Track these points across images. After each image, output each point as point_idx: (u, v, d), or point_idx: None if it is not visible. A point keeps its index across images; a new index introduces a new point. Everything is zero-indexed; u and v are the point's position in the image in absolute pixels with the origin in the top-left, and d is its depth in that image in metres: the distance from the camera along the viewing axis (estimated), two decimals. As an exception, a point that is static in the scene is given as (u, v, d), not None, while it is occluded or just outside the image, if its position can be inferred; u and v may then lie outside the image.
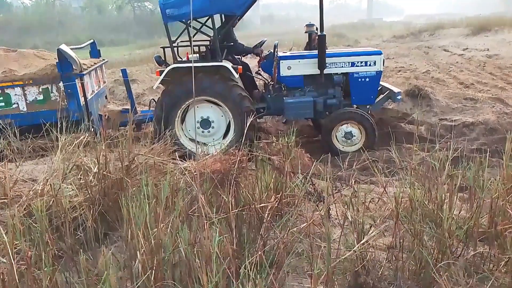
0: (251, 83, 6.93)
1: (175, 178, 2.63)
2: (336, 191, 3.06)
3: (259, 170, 2.75)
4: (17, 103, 6.13)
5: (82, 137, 3.62)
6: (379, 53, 6.57)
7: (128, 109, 7.39)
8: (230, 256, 2.04)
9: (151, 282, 1.90)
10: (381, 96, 6.78)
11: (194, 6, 5.73)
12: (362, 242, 2.16)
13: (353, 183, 3.16)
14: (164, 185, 2.27)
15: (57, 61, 6.10)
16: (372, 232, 2.24)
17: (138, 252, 1.95)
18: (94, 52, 7.94)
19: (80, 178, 3.31)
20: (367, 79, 6.45)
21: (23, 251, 2.01)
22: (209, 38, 6.62)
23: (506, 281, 2.23)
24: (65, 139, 3.53)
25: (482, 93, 9.80)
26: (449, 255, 2.23)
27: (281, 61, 6.49)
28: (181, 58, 6.40)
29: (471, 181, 2.60)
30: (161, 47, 6.73)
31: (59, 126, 3.93)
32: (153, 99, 7.47)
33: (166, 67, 6.04)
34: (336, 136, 6.28)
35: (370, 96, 6.55)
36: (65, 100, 6.09)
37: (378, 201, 3.26)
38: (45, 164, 4.87)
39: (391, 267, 2.47)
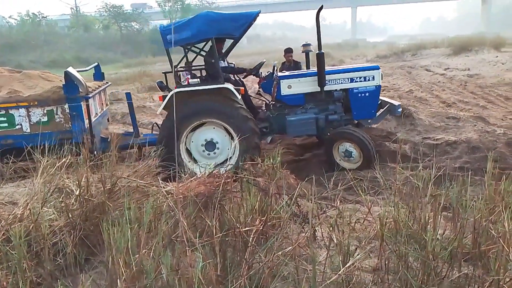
0: (250, 104, 7.01)
1: (158, 201, 2.59)
2: (322, 212, 3.05)
3: (244, 192, 2.73)
4: (21, 124, 6.07)
5: (64, 159, 3.55)
6: (377, 68, 6.72)
7: (131, 132, 7.49)
8: (213, 282, 2.00)
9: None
10: (382, 110, 6.87)
11: (193, 30, 5.88)
12: (347, 265, 2.14)
13: (338, 203, 3.15)
14: (146, 209, 2.23)
15: (64, 83, 6.07)
16: (357, 255, 2.22)
17: (118, 279, 1.90)
18: (98, 75, 7.96)
19: (61, 201, 3.25)
20: (367, 94, 6.57)
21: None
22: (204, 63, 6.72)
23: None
24: (47, 161, 3.46)
25: (464, 112, 10.02)
26: (434, 277, 2.23)
27: (281, 80, 6.61)
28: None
29: (454, 201, 2.62)
30: (162, 73, 6.92)
31: (45, 147, 3.86)
32: (155, 123, 7.49)
33: (169, 92, 6.10)
34: (337, 149, 6.36)
35: (371, 110, 6.65)
36: (69, 122, 6.06)
37: (363, 221, 3.26)
38: (26, 186, 4.77)
39: (377, 289, 2.45)
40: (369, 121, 6.78)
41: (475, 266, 2.49)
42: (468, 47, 29.41)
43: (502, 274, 2.18)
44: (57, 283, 2.26)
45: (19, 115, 6.04)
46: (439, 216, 2.65)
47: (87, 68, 7.98)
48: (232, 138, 6.13)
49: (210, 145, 6.19)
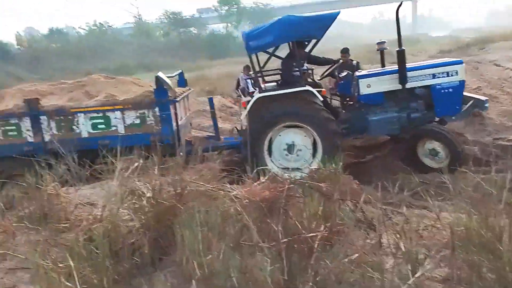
0: (330, 105, 7.00)
1: (225, 205, 2.69)
2: (387, 218, 2.99)
3: (307, 198, 2.75)
4: (116, 126, 6.49)
5: (136, 163, 3.79)
6: (460, 62, 6.51)
7: (213, 136, 7.81)
8: (281, 286, 2.05)
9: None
10: (466, 105, 6.57)
11: (275, 34, 6.03)
12: (417, 275, 2.10)
13: (404, 209, 3.08)
14: (215, 213, 2.33)
15: (154, 87, 6.48)
16: (427, 264, 2.16)
17: (193, 280, 2.01)
18: (181, 82, 8.36)
19: (135, 203, 3.47)
20: (450, 90, 6.34)
21: (86, 275, 2.12)
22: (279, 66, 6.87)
23: None
24: (121, 164, 3.71)
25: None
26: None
27: (360, 80, 6.53)
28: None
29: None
30: (245, 79, 7.13)
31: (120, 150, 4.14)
32: (235, 127, 7.81)
33: (252, 98, 6.28)
34: (422, 148, 6.21)
35: (454, 107, 6.40)
36: (159, 125, 6.40)
37: (432, 229, 3.15)
38: (101, 188, 5.13)
39: (448, 300, 2.37)
40: (453, 117, 6.52)
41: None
42: (544, 38, 27.13)
43: None
44: (135, 280, 2.43)
45: (115, 117, 6.45)
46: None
47: (172, 75, 8.38)
48: (313, 140, 6.17)
49: (292, 148, 6.24)
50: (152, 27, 62.51)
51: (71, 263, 2.13)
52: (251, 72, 9.98)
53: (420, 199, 4.23)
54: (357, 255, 2.32)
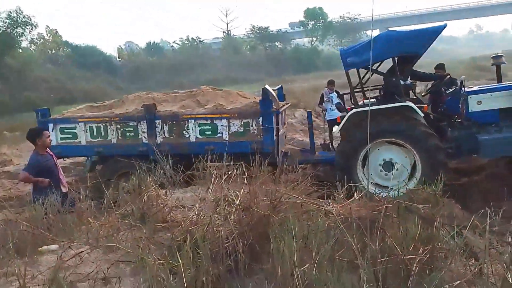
0: (435, 123, 6.67)
1: (319, 219, 2.73)
2: (492, 247, 2.79)
3: (404, 219, 2.68)
4: (222, 133, 6.98)
5: (230, 172, 4.00)
6: None
7: (308, 149, 8.09)
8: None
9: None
10: None
11: (375, 51, 5.92)
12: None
13: (510, 239, 2.85)
14: (311, 227, 2.38)
15: (261, 99, 6.89)
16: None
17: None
18: (280, 96, 8.73)
19: (225, 209, 3.65)
20: None
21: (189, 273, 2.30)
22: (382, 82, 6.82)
23: None
24: (216, 173, 3.94)
25: None
26: None
27: (469, 96, 6.24)
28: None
29: None
30: (341, 94, 7.31)
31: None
32: (330, 142, 8.02)
33: (347, 113, 6.30)
34: None
35: None
36: (261, 134, 6.76)
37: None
38: (192, 192, 5.47)
39: None
40: None
41: None
42: None
43: None
44: (229, 283, 2.56)
45: (221, 125, 6.93)
46: None
47: (273, 89, 8.88)
48: (414, 162, 5.94)
49: (388, 166, 6.05)
50: (240, 41, 64.98)
51: (180, 260, 2.32)
52: (341, 91, 10.02)
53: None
54: (458, 282, 2.20)
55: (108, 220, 4.54)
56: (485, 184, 6.13)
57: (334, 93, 10.25)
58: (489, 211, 3.50)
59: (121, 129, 7.22)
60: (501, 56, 6.55)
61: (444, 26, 5.98)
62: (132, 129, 7.19)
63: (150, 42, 61.05)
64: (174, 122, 7.03)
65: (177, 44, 64.40)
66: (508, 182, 5.90)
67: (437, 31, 5.92)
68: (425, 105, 6.14)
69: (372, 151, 6.04)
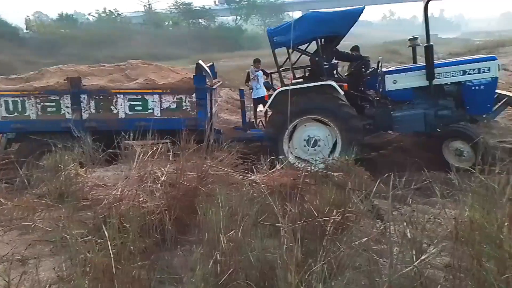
0: (355, 100, 7.07)
1: (245, 189, 2.87)
2: (395, 209, 3.16)
3: (321, 186, 2.93)
4: (153, 109, 6.74)
5: (155, 148, 3.98)
6: (494, 59, 6.46)
7: (240, 127, 8.12)
8: (295, 264, 2.22)
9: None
10: (499, 103, 6.59)
11: (300, 30, 6.18)
12: (421, 259, 2.27)
13: (411, 202, 3.25)
14: (236, 196, 2.51)
15: (194, 74, 6.73)
16: (431, 249, 2.33)
17: (217, 252, 2.19)
18: (212, 73, 8.69)
19: (151, 186, 3.65)
20: (482, 87, 6.26)
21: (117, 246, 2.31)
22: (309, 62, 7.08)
23: None
24: (142, 149, 3.90)
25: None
26: (509, 275, 2.28)
27: (386, 76, 6.61)
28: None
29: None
30: (268, 73, 7.43)
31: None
32: (261, 120, 8.13)
33: (274, 91, 6.54)
34: (448, 148, 6.22)
35: (486, 105, 6.36)
36: (195, 110, 6.65)
37: (434, 221, 3.31)
38: (114, 171, 5.33)
39: (449, 286, 2.54)
40: (484, 115, 6.51)
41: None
42: (554, 45, 27.07)
43: None
44: (157, 255, 2.61)
45: (153, 101, 6.70)
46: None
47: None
48: (332, 131, 6.31)
49: (312, 142, 6.39)
50: (162, 16, 62.46)
51: (106, 233, 2.31)
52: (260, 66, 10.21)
53: (423, 196, 4.40)
54: (365, 239, 2.49)
55: (22, 200, 4.29)
56: (392, 157, 6.73)
57: (260, 71, 10.41)
58: (392, 179, 3.94)
59: (41, 104, 6.73)
60: (416, 38, 7.10)
61: (363, 9, 6.35)
62: (54, 104, 6.74)
63: (62, 13, 56.23)
64: (101, 97, 6.73)
65: (93, 16, 60.07)
66: (411, 154, 6.58)
67: (357, 13, 6.30)
68: (345, 84, 6.50)
69: (299, 127, 6.39)
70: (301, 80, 6.96)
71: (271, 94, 6.52)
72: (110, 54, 35.75)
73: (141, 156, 3.85)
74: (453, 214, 2.66)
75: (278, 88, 6.70)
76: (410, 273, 2.50)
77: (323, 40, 6.85)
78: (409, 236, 2.52)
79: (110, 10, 58.57)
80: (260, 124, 7.90)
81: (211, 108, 6.97)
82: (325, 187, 2.88)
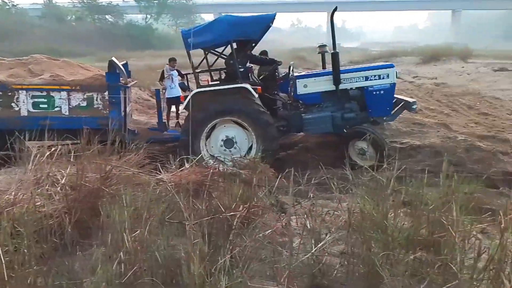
0: (269, 104, 7.17)
1: (151, 188, 2.83)
2: (297, 203, 3.37)
3: (229, 182, 3.01)
4: (60, 107, 6.23)
5: (53, 149, 3.72)
6: (392, 66, 7.00)
7: (156, 128, 7.78)
8: (201, 258, 2.27)
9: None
10: (397, 107, 7.11)
11: (214, 33, 6.18)
12: (318, 247, 2.46)
13: (311, 196, 3.48)
14: (142, 194, 2.47)
15: (107, 71, 6.33)
16: (327, 238, 2.54)
17: (121, 252, 2.14)
18: (126, 71, 8.22)
19: (49, 189, 3.41)
20: (382, 92, 6.77)
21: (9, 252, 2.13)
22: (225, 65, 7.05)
23: (440, 281, 2.60)
24: (38, 150, 3.62)
25: (429, 119, 10.61)
26: (392, 259, 2.58)
27: (297, 80, 6.84)
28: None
29: (412, 195, 2.99)
30: (184, 74, 7.23)
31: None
32: (178, 122, 7.85)
33: (190, 93, 6.40)
34: (353, 147, 6.58)
35: (386, 108, 6.87)
36: (107, 109, 6.27)
37: (333, 214, 3.60)
38: (7, 175, 4.86)
39: (344, 270, 2.79)
40: (384, 118, 7.02)
41: (428, 251, 2.87)
42: (437, 56, 30.72)
43: (450, 256, 2.56)
44: (58, 260, 2.46)
45: (60, 98, 6.21)
46: (400, 209, 3.02)
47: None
48: (250, 135, 6.40)
49: (229, 143, 6.46)
50: (64, 10, 58.09)
51: (-6, 239, 2.12)
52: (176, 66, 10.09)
53: (323, 190, 4.74)
54: (269, 231, 2.62)
55: None
56: (297, 156, 7.10)
57: (175, 71, 10.23)
58: (295, 175, 4.18)
59: None
60: (325, 45, 7.55)
61: (275, 15, 6.63)
62: None
63: None
64: (1, 93, 6.15)
65: (-17, 7, 53.81)
66: (314, 153, 7.01)
67: (269, 18, 6.54)
68: (259, 87, 6.69)
69: (218, 127, 6.45)
70: (218, 82, 7.04)
71: (187, 95, 6.48)
72: (5, 48, 32.32)
73: (37, 157, 3.57)
74: (347, 205, 2.91)
75: (194, 89, 6.69)
76: (309, 261, 2.70)
77: (237, 43, 7.00)
78: (309, 227, 2.70)
79: (3, 1, 52.92)
80: (177, 125, 7.81)
81: (125, 107, 6.72)
82: (233, 184, 2.97)
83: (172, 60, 10.33)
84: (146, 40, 51.22)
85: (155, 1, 60.64)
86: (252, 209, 2.85)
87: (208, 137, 6.53)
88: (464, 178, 4.01)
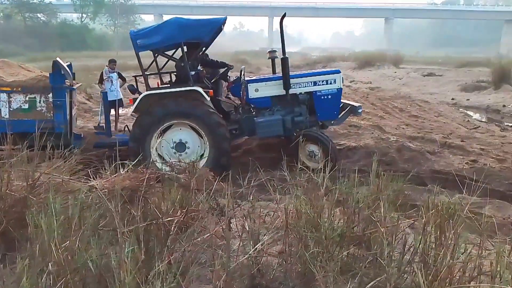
0: (218, 106, 7.18)
1: (83, 195, 2.71)
2: (237, 206, 3.40)
3: (166, 187, 2.97)
4: (0, 109, 5.87)
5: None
6: (338, 72, 7.23)
7: (103, 132, 7.48)
8: (138, 266, 2.22)
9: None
10: (344, 111, 7.35)
11: (163, 35, 6.09)
12: (256, 246, 2.50)
13: (251, 198, 3.53)
14: (72, 203, 2.36)
15: (51, 72, 6.02)
16: (265, 238, 2.59)
17: (50, 264, 2.03)
18: (71, 73, 7.73)
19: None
20: (329, 96, 7.00)
21: None
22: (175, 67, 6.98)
23: (371, 275, 2.75)
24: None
25: (364, 121, 11.18)
26: (326, 256, 2.69)
27: (249, 84, 6.88)
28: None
29: (344, 194, 3.14)
30: (133, 76, 7.21)
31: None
32: (126, 125, 7.54)
33: (139, 95, 6.29)
34: (302, 150, 6.61)
35: (333, 112, 7.10)
36: (51, 112, 5.99)
37: (273, 215, 3.67)
38: None
39: (282, 270, 2.85)
40: (332, 122, 7.26)
41: (360, 247, 3.02)
42: (372, 62, 32.47)
43: (379, 251, 2.72)
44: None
45: None
46: (333, 207, 3.16)
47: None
48: (202, 138, 6.37)
49: (180, 146, 6.38)
50: (-10, 7, 54.02)
51: None
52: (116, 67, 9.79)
53: (262, 191, 4.82)
54: (207, 235, 2.63)
55: None
56: (240, 159, 7.18)
57: (115, 73, 9.87)
58: (237, 178, 4.22)
59: None
60: (275, 51, 7.69)
61: (225, 19, 6.73)
62: None
63: None
64: None
65: None
66: (256, 156, 7.12)
67: (219, 22, 6.59)
68: (211, 90, 6.68)
69: (172, 129, 6.41)
70: (168, 85, 6.96)
71: (136, 98, 6.33)
72: None
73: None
74: (284, 205, 2.99)
75: (143, 92, 6.57)
76: (248, 262, 2.73)
77: (188, 46, 6.98)
78: (247, 228, 2.74)
79: None
80: (126, 128, 7.59)
81: (71, 110, 6.45)
82: (170, 189, 2.93)
83: (111, 62, 9.98)
84: (82, 40, 49.04)
85: (90, 0, 58.20)
86: (191, 214, 2.83)
87: (159, 138, 6.46)
88: (393, 176, 4.29)
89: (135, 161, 3.28)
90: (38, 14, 54.54)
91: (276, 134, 7.22)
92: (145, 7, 70.32)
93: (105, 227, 2.39)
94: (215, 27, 6.62)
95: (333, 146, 6.82)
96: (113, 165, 3.44)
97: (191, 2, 78.94)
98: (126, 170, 2.85)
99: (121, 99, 9.74)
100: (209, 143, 6.38)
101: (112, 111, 9.62)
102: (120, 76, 10.10)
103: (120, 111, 10.17)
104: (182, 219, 2.63)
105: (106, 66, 10.03)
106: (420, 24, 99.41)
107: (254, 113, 7.08)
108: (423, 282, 2.10)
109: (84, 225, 2.36)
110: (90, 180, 2.92)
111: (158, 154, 6.43)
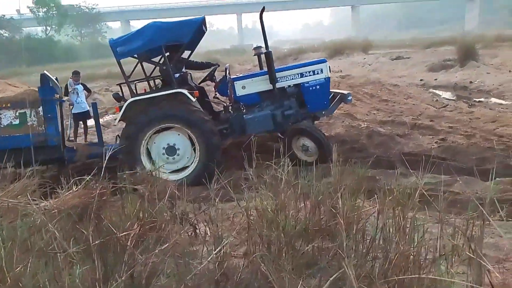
0: (208, 107, 7.18)
1: (32, 218, 2.62)
2: (201, 211, 3.35)
3: (124, 200, 2.89)
4: None
5: None
6: (324, 61, 7.19)
7: (95, 143, 7.44)
8: (93, 286, 2.15)
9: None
10: (334, 100, 7.31)
11: (143, 40, 6.02)
12: (216, 250, 2.46)
13: (217, 201, 3.48)
14: (20, 226, 2.27)
15: (39, 86, 6.00)
16: (227, 241, 2.55)
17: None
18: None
19: None
20: (318, 87, 6.96)
21: None
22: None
23: (335, 266, 2.75)
24: None
25: (336, 110, 11.25)
26: (290, 250, 2.67)
27: (235, 82, 6.82)
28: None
29: (306, 187, 3.13)
30: (117, 84, 7.06)
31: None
32: (118, 135, 7.39)
33: (125, 103, 6.24)
34: (295, 144, 6.67)
35: (323, 102, 7.06)
36: (43, 125, 5.96)
37: (242, 216, 3.63)
38: None
39: (247, 271, 2.82)
40: (323, 112, 7.20)
41: (324, 239, 3.02)
42: (341, 50, 32.72)
43: (339, 242, 2.71)
44: None
45: None
46: (297, 201, 3.14)
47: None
48: (192, 141, 6.33)
49: (171, 150, 6.35)
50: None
51: None
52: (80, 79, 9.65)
53: (236, 193, 4.78)
54: (168, 245, 2.57)
55: None
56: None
57: (80, 85, 9.66)
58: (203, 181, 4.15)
59: None
60: (260, 47, 7.62)
61: (202, 18, 6.66)
62: None
63: None
64: None
65: None
66: (233, 155, 7.10)
67: (196, 22, 6.52)
68: (196, 91, 6.63)
69: (154, 137, 6.38)
70: (154, 90, 6.92)
71: (122, 106, 6.26)
72: None
73: None
74: (244, 205, 2.96)
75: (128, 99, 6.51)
76: (212, 266, 2.69)
77: (169, 49, 6.92)
78: (208, 233, 2.70)
79: None
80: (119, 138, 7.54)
81: (62, 123, 6.43)
82: (127, 202, 2.86)
83: (74, 74, 9.74)
84: (48, 53, 47.99)
85: (54, 12, 56.90)
86: (151, 225, 2.77)
87: (149, 151, 6.43)
88: (361, 163, 4.31)
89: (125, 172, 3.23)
90: (1, 31, 53.15)
91: (267, 130, 7.19)
92: (111, 14, 69.24)
93: (55, 249, 2.31)
94: (194, 27, 6.55)
95: (323, 137, 6.81)
96: (71, 182, 3.34)
97: (158, 5, 78.11)
98: (79, 187, 2.76)
99: (87, 111, 9.53)
100: (197, 141, 6.35)
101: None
102: (85, 87, 9.89)
103: (88, 122, 9.98)
104: (138, 231, 2.56)
105: (70, 78, 9.80)
106: (386, 8, 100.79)
107: (243, 110, 7.06)
108: (376, 274, 2.10)
109: (32, 249, 2.27)
110: (40, 202, 2.83)
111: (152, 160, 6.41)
